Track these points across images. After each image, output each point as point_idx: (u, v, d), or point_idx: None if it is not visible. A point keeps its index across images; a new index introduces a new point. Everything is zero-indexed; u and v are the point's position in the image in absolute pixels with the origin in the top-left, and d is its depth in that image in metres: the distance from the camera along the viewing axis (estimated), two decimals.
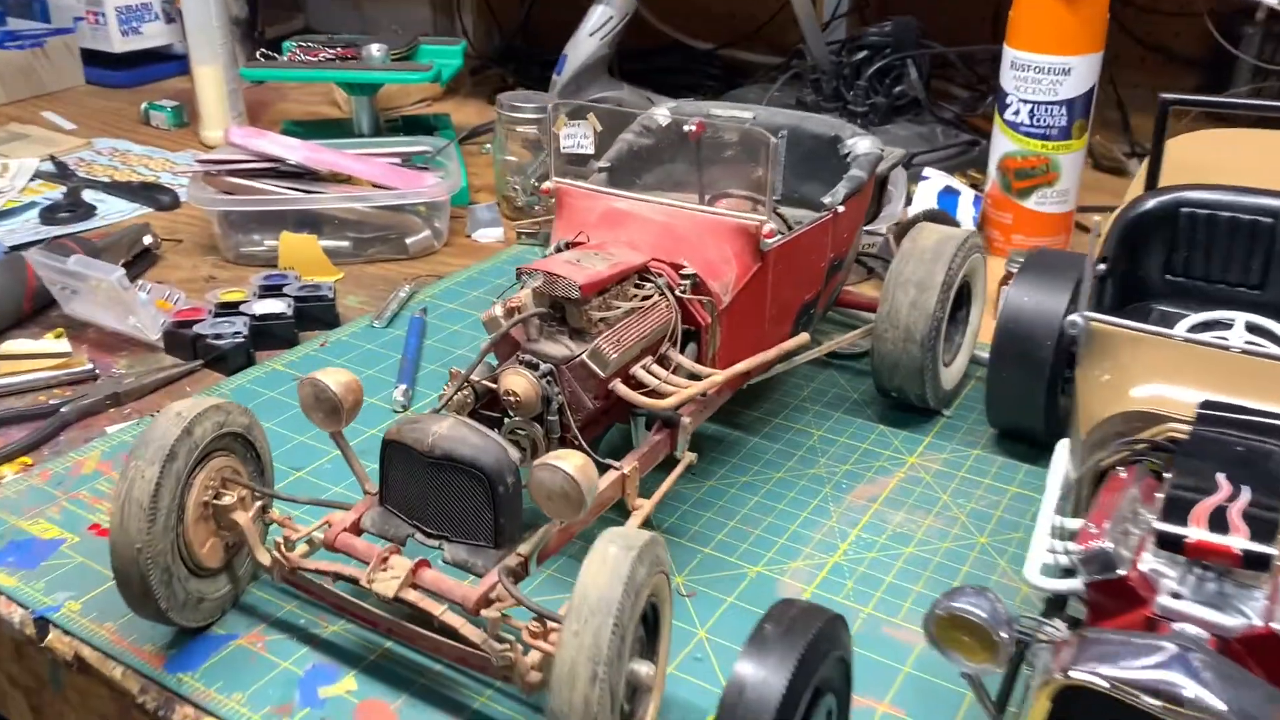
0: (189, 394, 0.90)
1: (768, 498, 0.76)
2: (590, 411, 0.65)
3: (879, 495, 0.76)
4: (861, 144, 0.81)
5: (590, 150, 0.79)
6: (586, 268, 0.65)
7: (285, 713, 0.59)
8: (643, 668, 0.52)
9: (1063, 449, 0.64)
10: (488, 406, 0.68)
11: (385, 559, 0.59)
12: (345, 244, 1.15)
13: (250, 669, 0.61)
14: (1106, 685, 0.40)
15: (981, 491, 0.77)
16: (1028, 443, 0.81)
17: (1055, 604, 0.55)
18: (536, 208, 1.25)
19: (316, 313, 1.00)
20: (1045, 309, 0.76)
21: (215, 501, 0.62)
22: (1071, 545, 0.50)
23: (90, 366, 0.92)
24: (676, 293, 0.69)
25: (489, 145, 1.49)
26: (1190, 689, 0.39)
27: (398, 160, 1.22)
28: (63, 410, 0.85)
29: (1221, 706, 0.38)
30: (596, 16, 1.31)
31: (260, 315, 0.96)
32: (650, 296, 0.68)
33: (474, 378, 0.67)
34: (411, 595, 0.57)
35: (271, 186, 1.14)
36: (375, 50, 1.36)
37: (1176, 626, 0.44)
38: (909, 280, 0.79)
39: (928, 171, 1.18)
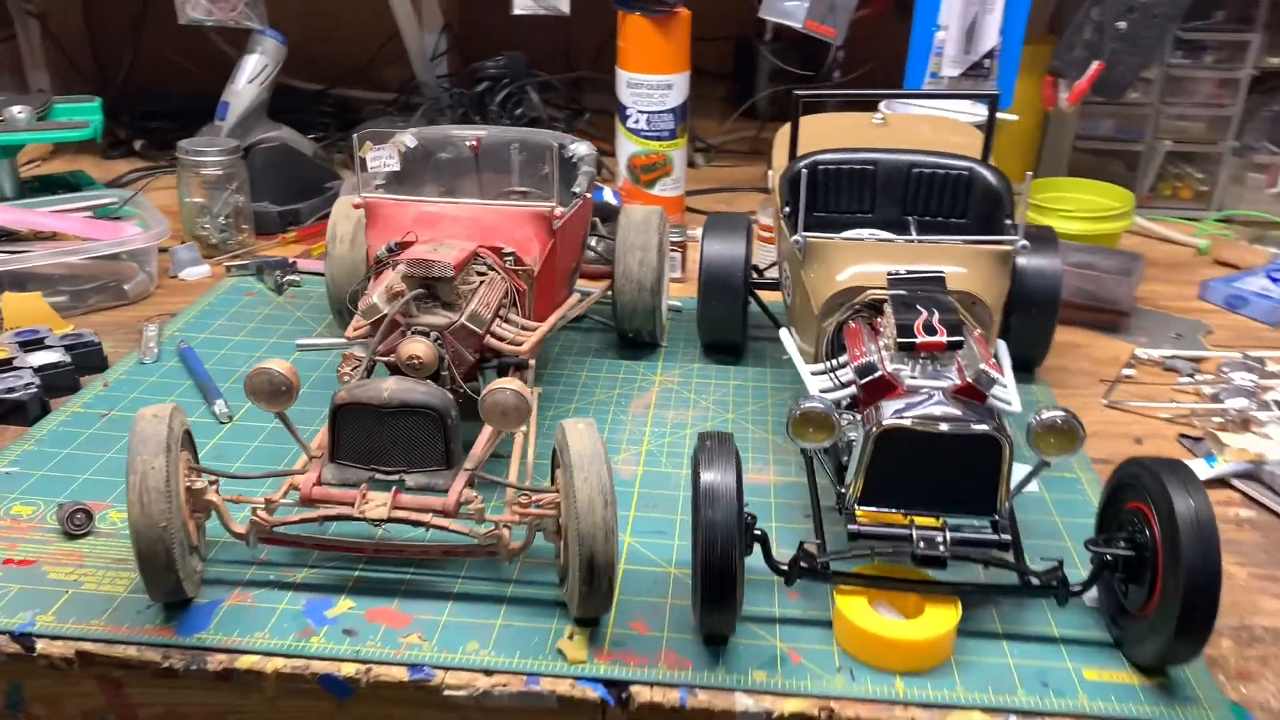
0: None
1: None
2: (470, 364, 0.84)
3: (650, 403, 1.02)
4: (580, 148, 1.06)
5: (397, 167, 0.95)
6: (447, 254, 0.83)
7: (307, 635, 0.71)
8: None
9: (786, 334, 0.94)
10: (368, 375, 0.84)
11: (364, 495, 0.74)
12: (63, 299, 1.18)
13: (254, 617, 0.73)
14: (909, 423, 0.70)
15: (713, 387, 1.05)
16: (728, 352, 1.11)
17: None
18: (231, 242, 1.35)
19: (86, 359, 1.05)
20: (732, 254, 1.06)
21: (192, 487, 0.73)
22: (840, 369, 0.80)
23: None
24: (506, 267, 0.89)
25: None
26: (956, 410, 0.70)
27: (90, 214, 1.26)
28: None
29: (953, 414, 0.69)
30: (253, 65, 1.42)
31: (40, 366, 1.00)
32: (485, 273, 0.88)
33: (361, 354, 0.82)
34: (401, 512, 0.73)
35: None
36: (18, 111, 1.35)
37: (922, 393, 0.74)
38: (635, 245, 1.06)
39: None
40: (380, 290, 0.84)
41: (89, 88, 1.86)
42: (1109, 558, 0.70)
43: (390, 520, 0.73)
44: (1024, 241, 0.86)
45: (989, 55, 1.38)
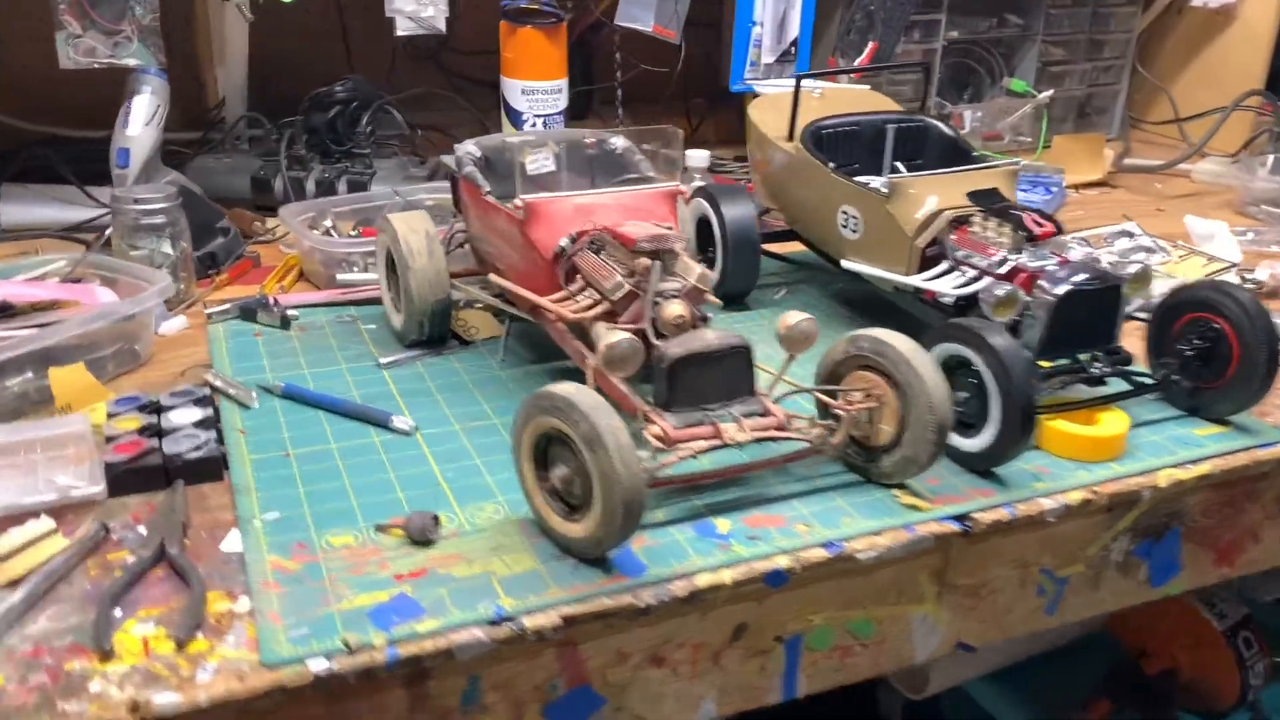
0: (210, 501, 0.89)
1: None
2: (698, 317, 0.97)
3: None
4: (619, 141, 1.19)
5: (553, 168, 1.02)
6: (663, 230, 0.96)
7: (725, 549, 0.83)
8: None
9: (853, 263, 1.17)
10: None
11: (717, 428, 0.86)
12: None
13: (667, 551, 0.82)
14: (1075, 286, 0.97)
15: (752, 329, 1.25)
16: (739, 300, 1.31)
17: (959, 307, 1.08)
18: (182, 291, 1.28)
19: None
20: (749, 214, 1.26)
21: None
22: (964, 265, 1.05)
23: (97, 524, 0.83)
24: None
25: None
26: (1092, 273, 0.98)
27: (58, 279, 1.14)
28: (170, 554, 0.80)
29: (1094, 275, 0.98)
30: (146, 107, 1.33)
31: (197, 422, 0.95)
32: None
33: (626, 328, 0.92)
34: (758, 433, 0.87)
35: None
36: None
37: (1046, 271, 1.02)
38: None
39: None
40: (620, 270, 0.94)
41: None
42: (1189, 351, 1.03)
43: (753, 440, 0.86)
44: (1023, 161, 1.17)
45: (793, 43, 1.70)
